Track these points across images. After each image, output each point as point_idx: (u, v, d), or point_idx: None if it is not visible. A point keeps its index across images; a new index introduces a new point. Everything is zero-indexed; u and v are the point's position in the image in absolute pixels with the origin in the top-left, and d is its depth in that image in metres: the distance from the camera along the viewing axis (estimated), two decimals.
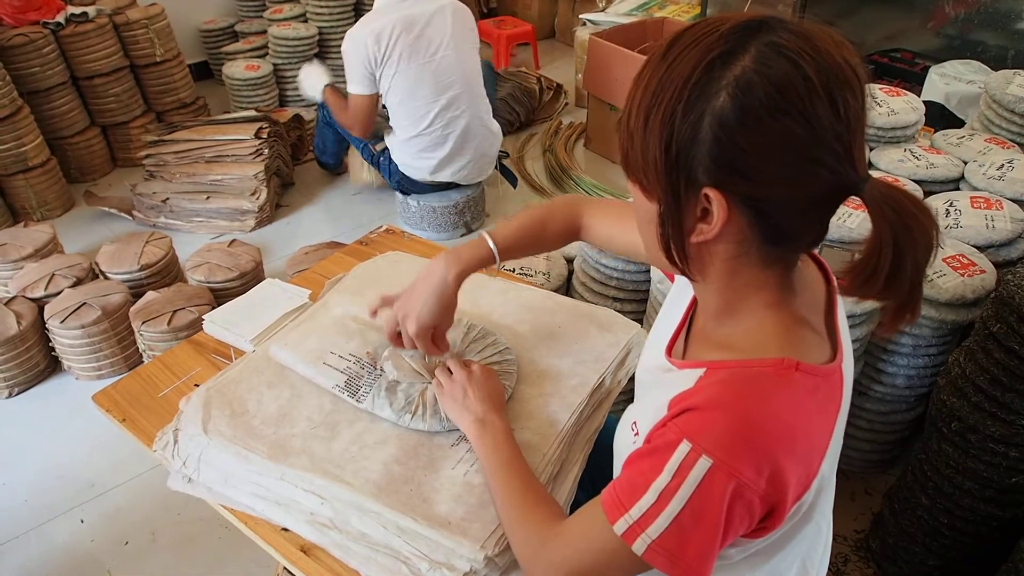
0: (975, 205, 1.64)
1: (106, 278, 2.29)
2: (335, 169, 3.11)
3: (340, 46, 2.48)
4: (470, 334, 1.08)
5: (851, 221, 1.55)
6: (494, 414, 0.92)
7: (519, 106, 3.49)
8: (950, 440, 1.34)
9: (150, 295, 2.14)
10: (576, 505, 0.76)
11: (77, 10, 3.02)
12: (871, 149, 1.94)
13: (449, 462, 0.93)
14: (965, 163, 1.84)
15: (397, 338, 0.98)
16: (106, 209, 2.91)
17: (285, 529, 0.89)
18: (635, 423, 0.74)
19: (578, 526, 0.71)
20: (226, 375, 1.06)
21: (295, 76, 3.62)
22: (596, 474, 0.96)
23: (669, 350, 0.78)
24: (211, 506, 0.94)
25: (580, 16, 3.81)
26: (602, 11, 3.78)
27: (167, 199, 2.82)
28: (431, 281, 0.92)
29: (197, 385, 1.07)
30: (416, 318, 0.92)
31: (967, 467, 1.32)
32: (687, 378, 0.67)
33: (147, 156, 2.90)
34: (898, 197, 0.59)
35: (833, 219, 0.64)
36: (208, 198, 2.82)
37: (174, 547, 1.71)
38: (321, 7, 3.60)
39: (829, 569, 0.84)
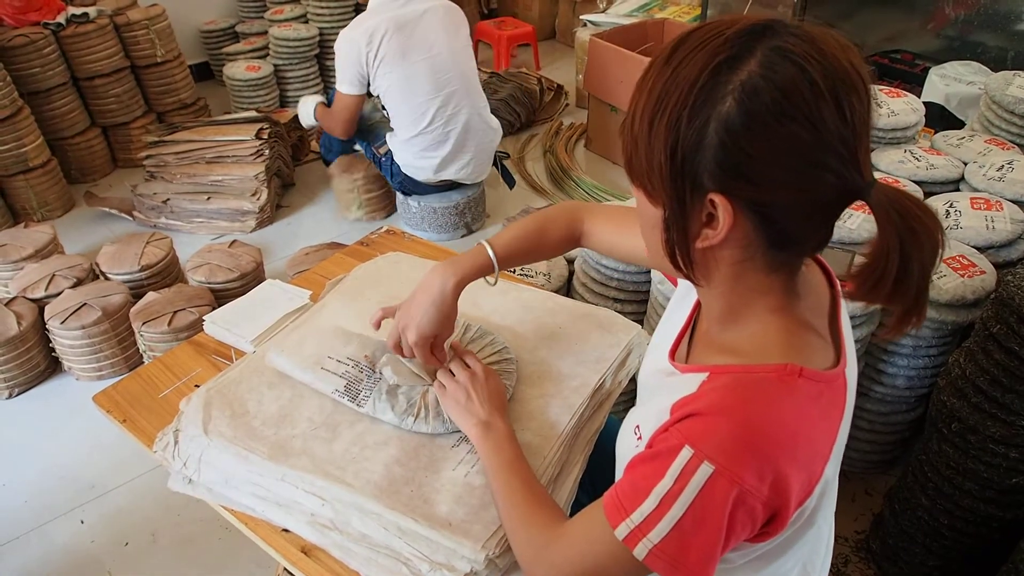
0: (975, 206, 1.64)
1: (106, 279, 2.29)
2: None
3: None
4: (467, 334, 1.08)
5: (852, 222, 1.55)
6: (497, 416, 0.92)
7: (520, 107, 3.49)
8: (950, 441, 1.34)
9: (150, 296, 2.14)
10: (577, 507, 0.76)
11: (78, 11, 3.03)
12: (871, 150, 1.94)
13: (450, 463, 0.93)
14: (965, 164, 1.84)
15: (400, 348, 0.98)
16: (106, 210, 2.91)
17: (286, 530, 0.89)
18: (638, 427, 0.74)
19: (580, 529, 0.71)
20: (226, 376, 1.06)
21: (296, 77, 3.65)
22: (596, 476, 0.96)
23: (672, 354, 0.78)
24: (211, 507, 0.94)
25: (581, 17, 3.81)
26: (603, 12, 3.78)
27: (168, 200, 2.82)
28: (430, 291, 0.92)
29: (197, 386, 1.07)
30: (416, 327, 0.93)
31: (967, 468, 1.32)
32: (690, 382, 0.67)
33: (148, 157, 2.90)
34: (904, 201, 0.59)
35: None
36: (209, 199, 2.82)
37: (174, 548, 1.71)
38: (322, 8, 3.61)
39: (829, 570, 0.84)
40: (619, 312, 1.22)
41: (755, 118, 0.56)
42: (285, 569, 0.91)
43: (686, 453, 0.59)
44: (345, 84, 2.45)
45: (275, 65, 3.59)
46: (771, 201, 0.59)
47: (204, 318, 1.22)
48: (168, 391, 1.09)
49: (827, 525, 0.79)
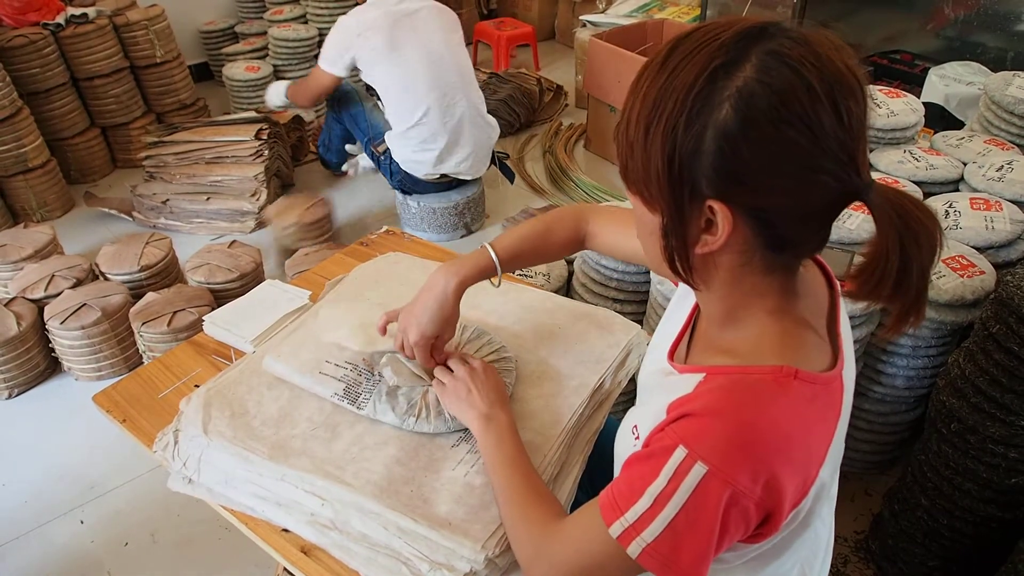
0: (974, 206, 1.64)
1: (106, 279, 2.29)
2: (337, 169, 3.12)
3: None
4: (464, 334, 1.08)
5: (851, 222, 1.55)
6: (498, 408, 0.92)
7: (519, 107, 3.49)
8: (949, 441, 1.35)
9: (150, 296, 2.14)
10: (576, 507, 0.76)
11: (77, 11, 3.03)
12: (871, 151, 1.94)
13: (450, 463, 0.93)
14: (964, 164, 1.84)
15: (404, 348, 0.98)
16: (106, 210, 2.91)
17: (285, 530, 0.89)
18: (636, 426, 0.74)
19: (577, 526, 0.71)
20: (226, 376, 1.06)
21: (295, 77, 3.64)
22: (595, 475, 0.96)
23: (672, 354, 0.78)
24: (211, 507, 0.94)
25: (580, 17, 3.82)
26: (602, 12, 3.78)
27: (167, 200, 2.82)
28: (432, 292, 0.93)
29: (197, 386, 1.07)
30: (417, 327, 0.93)
31: (967, 468, 1.32)
32: (687, 383, 0.67)
33: (147, 157, 2.90)
34: (902, 201, 0.59)
35: None
36: (208, 199, 2.82)
37: (174, 548, 1.71)
38: (321, 8, 3.61)
39: (829, 570, 0.84)
40: (619, 312, 1.22)
41: (752, 125, 0.55)
42: (285, 569, 0.91)
43: (680, 453, 0.59)
44: (327, 63, 2.52)
45: (274, 66, 3.59)
46: (770, 206, 0.59)
47: (204, 318, 1.22)
48: (168, 391, 1.09)
49: (826, 527, 0.79)
